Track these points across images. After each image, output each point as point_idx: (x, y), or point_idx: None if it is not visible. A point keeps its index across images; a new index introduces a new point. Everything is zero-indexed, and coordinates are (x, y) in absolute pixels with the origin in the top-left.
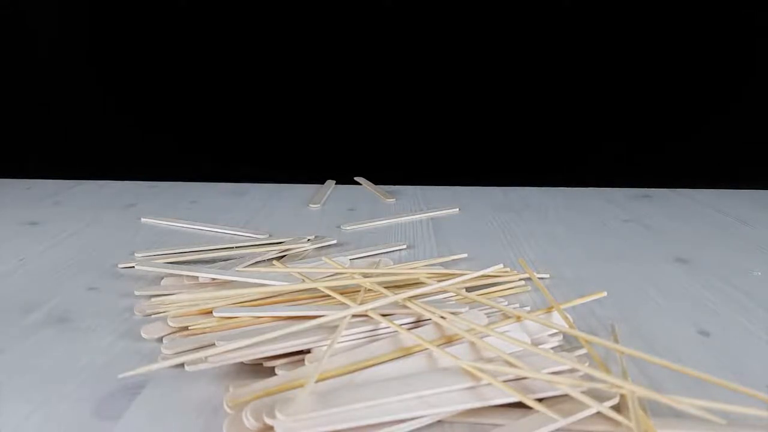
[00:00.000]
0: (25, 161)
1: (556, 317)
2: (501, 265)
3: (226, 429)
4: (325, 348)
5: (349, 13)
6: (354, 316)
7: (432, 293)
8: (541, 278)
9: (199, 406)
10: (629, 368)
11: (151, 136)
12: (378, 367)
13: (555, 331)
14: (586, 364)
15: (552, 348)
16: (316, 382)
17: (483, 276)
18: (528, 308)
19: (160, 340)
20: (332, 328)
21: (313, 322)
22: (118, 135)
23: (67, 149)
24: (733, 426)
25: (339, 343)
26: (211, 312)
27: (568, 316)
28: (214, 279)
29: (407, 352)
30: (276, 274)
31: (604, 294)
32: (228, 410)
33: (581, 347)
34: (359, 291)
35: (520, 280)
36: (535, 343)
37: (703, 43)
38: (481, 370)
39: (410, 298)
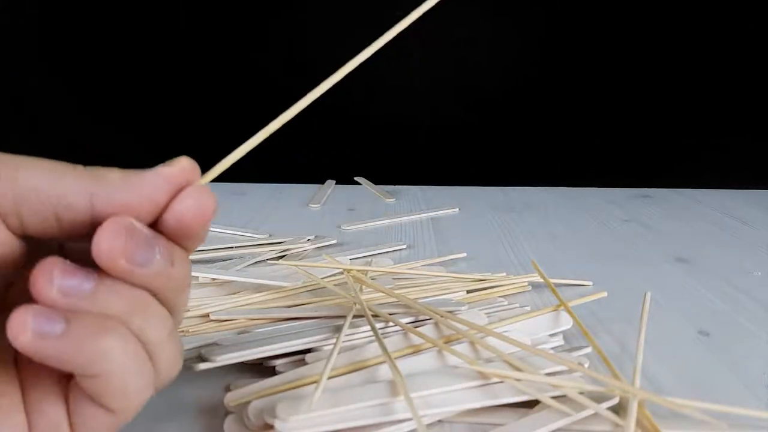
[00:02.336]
0: None
1: (563, 316)
2: (503, 274)
3: (227, 429)
4: (327, 347)
5: (349, 13)
6: (354, 316)
7: (432, 294)
8: (583, 285)
9: (199, 406)
10: (628, 366)
11: (151, 136)
12: (378, 366)
13: (556, 330)
14: (587, 364)
15: (552, 348)
16: (315, 382)
17: (485, 279)
18: (528, 308)
19: None
20: (332, 327)
21: (314, 322)
22: (118, 135)
23: (67, 150)
24: (734, 428)
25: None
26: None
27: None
28: (214, 279)
29: (407, 352)
30: (276, 274)
31: (605, 294)
32: (228, 410)
33: (582, 347)
34: (359, 291)
35: (525, 283)
36: (535, 343)
37: (703, 43)
38: (483, 370)
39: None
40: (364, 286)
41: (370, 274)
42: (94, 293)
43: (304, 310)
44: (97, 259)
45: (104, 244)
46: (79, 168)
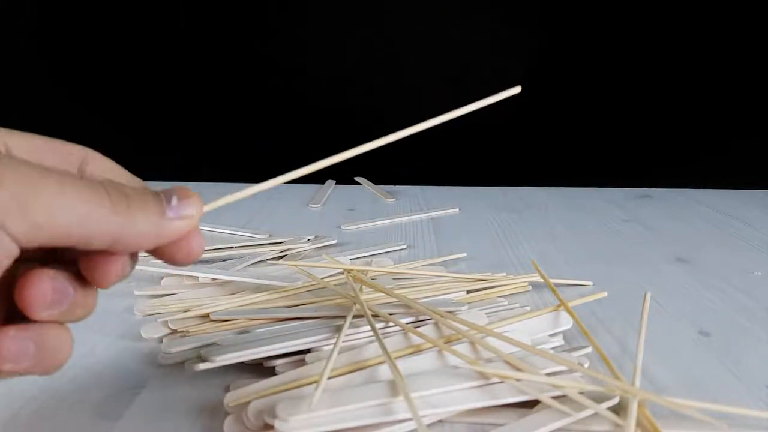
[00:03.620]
0: None
1: (563, 316)
2: (504, 274)
3: (227, 429)
4: (327, 348)
5: (349, 13)
6: (354, 316)
7: (432, 294)
8: (583, 285)
9: (199, 406)
10: (628, 366)
11: (152, 136)
12: (378, 366)
13: (556, 330)
14: (587, 364)
15: (553, 348)
16: (314, 382)
17: (485, 279)
18: (528, 307)
19: (160, 340)
20: (332, 327)
21: (314, 322)
22: (118, 135)
23: None
24: (734, 427)
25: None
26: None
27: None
28: (214, 279)
29: (407, 352)
30: (276, 274)
31: (605, 294)
32: (228, 410)
33: (583, 347)
34: (359, 291)
35: (525, 283)
36: (535, 343)
37: (703, 44)
38: (484, 370)
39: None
40: (364, 286)
41: (370, 274)
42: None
43: (304, 311)
44: (19, 305)
45: (27, 298)
46: (113, 204)
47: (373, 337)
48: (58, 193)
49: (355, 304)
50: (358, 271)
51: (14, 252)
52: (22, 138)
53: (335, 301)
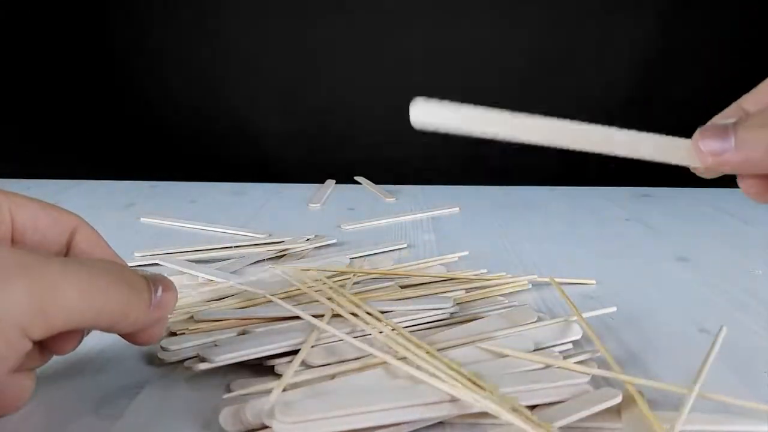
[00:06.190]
0: (25, 161)
1: (574, 327)
2: (504, 273)
3: (222, 422)
4: (314, 347)
5: (349, 12)
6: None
7: (432, 293)
8: (587, 284)
9: (199, 406)
10: (628, 363)
11: (151, 135)
12: (378, 370)
13: (565, 341)
14: (596, 366)
15: (561, 352)
16: (316, 383)
17: (484, 278)
18: (528, 306)
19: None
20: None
21: (312, 319)
22: (118, 134)
23: (66, 149)
24: (733, 421)
25: (335, 342)
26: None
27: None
28: (210, 280)
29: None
30: (274, 280)
31: (614, 309)
32: (227, 409)
33: (590, 350)
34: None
35: (525, 282)
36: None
37: (703, 42)
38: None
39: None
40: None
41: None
42: None
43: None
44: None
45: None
46: (126, 298)
47: (371, 339)
48: (78, 297)
49: (336, 303)
50: (357, 272)
51: (29, 348)
52: (23, 203)
53: (312, 303)
